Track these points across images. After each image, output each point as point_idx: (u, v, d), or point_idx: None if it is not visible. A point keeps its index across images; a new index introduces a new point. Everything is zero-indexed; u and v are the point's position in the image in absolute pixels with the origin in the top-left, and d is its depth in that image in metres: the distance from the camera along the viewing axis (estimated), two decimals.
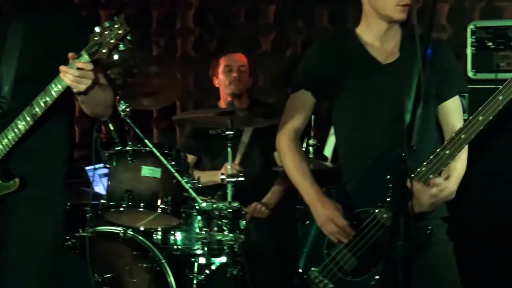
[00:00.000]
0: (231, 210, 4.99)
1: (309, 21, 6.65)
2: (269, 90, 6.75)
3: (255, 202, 5.65)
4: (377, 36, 3.77)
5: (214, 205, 5.03)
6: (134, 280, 5.11)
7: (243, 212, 5.17)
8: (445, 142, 3.51)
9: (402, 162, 3.16)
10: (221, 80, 5.86)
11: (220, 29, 6.91)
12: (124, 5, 7.10)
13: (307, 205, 4.95)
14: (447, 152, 3.49)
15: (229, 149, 5.07)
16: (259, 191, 5.77)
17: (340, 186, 3.83)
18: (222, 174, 5.17)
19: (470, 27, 5.04)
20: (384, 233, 3.57)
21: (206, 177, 5.49)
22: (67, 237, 5.09)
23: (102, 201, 5.14)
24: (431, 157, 3.51)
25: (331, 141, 5.35)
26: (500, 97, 3.42)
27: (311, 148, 5.08)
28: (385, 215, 3.57)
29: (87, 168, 5.84)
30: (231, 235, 4.95)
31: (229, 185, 5.00)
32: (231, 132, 5.08)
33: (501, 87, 3.41)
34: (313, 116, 5.17)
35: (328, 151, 5.35)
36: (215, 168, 5.73)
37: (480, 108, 3.42)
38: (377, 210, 3.59)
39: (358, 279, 3.65)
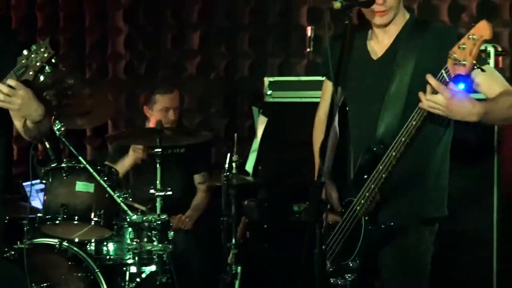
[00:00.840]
0: (159, 222, 4.96)
1: (231, 46, 6.66)
2: (194, 112, 6.74)
3: (179, 214, 5.64)
4: (375, 31, 3.66)
5: (144, 218, 5.00)
6: None
7: (171, 224, 5.16)
8: (392, 144, 3.46)
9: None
10: (156, 116, 5.78)
11: (149, 54, 6.90)
12: (59, 30, 7.06)
13: (231, 217, 5.01)
14: (393, 153, 3.46)
15: (158, 166, 5.05)
16: (183, 206, 5.77)
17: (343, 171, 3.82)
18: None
19: None
20: (356, 225, 3.58)
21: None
22: (6, 249, 5.03)
23: (39, 214, 5.09)
24: (384, 157, 3.48)
25: (252, 157, 5.36)
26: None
27: (234, 164, 5.08)
28: (358, 207, 3.56)
29: (24, 183, 5.76)
30: (160, 245, 4.93)
31: (158, 199, 4.99)
32: (159, 150, 5.07)
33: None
34: (235, 134, 5.20)
35: (249, 166, 5.36)
36: (139, 185, 5.71)
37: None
38: (355, 200, 3.59)
39: (344, 263, 3.65)
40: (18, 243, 5.03)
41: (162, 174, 5.04)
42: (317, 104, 5.21)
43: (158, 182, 5.04)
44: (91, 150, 6.98)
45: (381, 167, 3.49)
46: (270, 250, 5.42)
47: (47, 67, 3.49)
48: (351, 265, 3.61)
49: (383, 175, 3.48)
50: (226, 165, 5.11)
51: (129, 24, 6.93)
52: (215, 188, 5.43)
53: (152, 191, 5.04)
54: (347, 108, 3.78)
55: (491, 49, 4.67)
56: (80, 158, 5.04)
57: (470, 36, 3.21)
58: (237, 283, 4.96)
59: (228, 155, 5.12)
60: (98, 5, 7.00)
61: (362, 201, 3.55)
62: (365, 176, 3.57)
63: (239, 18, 6.63)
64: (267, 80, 5.34)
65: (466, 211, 4.67)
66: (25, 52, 3.47)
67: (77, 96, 5.28)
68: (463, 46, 3.22)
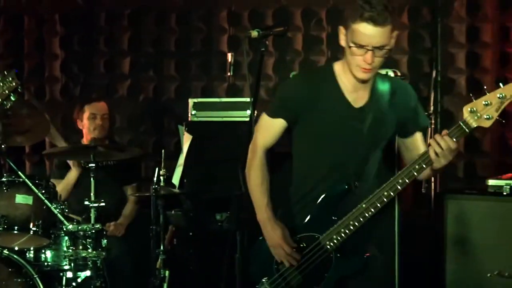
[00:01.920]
0: (94, 231, 4.93)
1: (158, 71, 6.65)
2: (125, 130, 6.71)
3: (113, 222, 5.61)
4: (351, 81, 3.50)
5: (79, 227, 4.96)
6: None
7: (104, 232, 5.13)
8: (384, 185, 3.44)
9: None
10: (85, 125, 5.79)
11: (83, 77, 6.84)
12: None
13: (159, 226, 4.99)
14: (385, 193, 3.44)
15: (91, 179, 5.02)
16: (116, 215, 5.73)
17: (289, 208, 3.66)
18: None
19: (292, 76, 5.15)
20: (326, 257, 3.53)
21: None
22: None
23: None
24: (371, 196, 3.45)
25: (178, 171, 5.36)
26: (417, 166, 3.41)
27: (161, 177, 5.07)
28: (327, 242, 3.50)
29: None
30: (94, 252, 4.89)
31: (92, 210, 4.96)
32: (93, 164, 5.04)
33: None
34: (163, 150, 5.19)
35: (175, 179, 5.36)
36: (76, 196, 5.65)
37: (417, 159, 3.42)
38: (321, 237, 3.52)
39: None
40: None
41: (96, 186, 5.02)
42: (237, 123, 5.24)
43: (92, 194, 5.00)
44: (30, 166, 6.89)
45: (364, 206, 3.46)
46: (195, 255, 5.42)
47: (12, 96, 3.47)
48: None
49: (368, 213, 3.46)
50: (155, 178, 5.09)
51: (64, 50, 6.87)
52: (145, 199, 5.40)
53: (86, 202, 5.02)
54: (309, 144, 3.64)
55: (391, 74, 4.73)
56: (19, 172, 4.98)
57: (499, 95, 3.27)
58: (165, 285, 4.93)
59: (157, 169, 5.11)
60: (36, 32, 6.92)
61: (334, 237, 3.49)
62: (333, 213, 3.53)
63: (165, 45, 6.63)
64: (191, 101, 5.36)
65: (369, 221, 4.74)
66: None
67: (17, 116, 5.21)
68: (487, 102, 3.28)
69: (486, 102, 3.29)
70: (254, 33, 3.38)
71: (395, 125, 3.61)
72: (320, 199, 3.57)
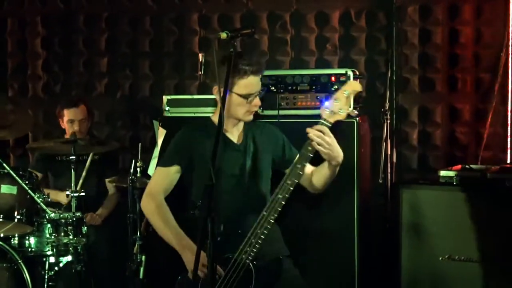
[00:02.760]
0: (75, 219, 4.92)
1: (134, 70, 6.62)
2: (103, 125, 6.67)
3: (91, 212, 5.57)
4: (230, 125, 3.90)
5: (61, 215, 4.95)
6: None
7: (84, 220, 5.10)
8: (276, 190, 3.63)
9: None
10: (65, 127, 5.76)
11: (63, 76, 6.79)
12: None
13: (136, 214, 4.98)
14: (280, 196, 3.60)
15: (72, 171, 4.99)
16: (96, 204, 5.70)
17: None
18: (67, 193, 5.05)
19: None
20: (246, 270, 3.59)
21: (53, 195, 5.37)
22: None
23: None
24: (268, 203, 3.61)
25: (153, 163, 5.33)
26: (299, 166, 3.65)
27: (138, 169, 5.05)
28: (243, 256, 3.58)
29: None
30: (75, 238, 4.89)
31: (73, 199, 4.93)
32: (74, 157, 5.01)
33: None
34: (139, 144, 5.17)
35: (151, 171, 5.32)
36: (57, 187, 5.62)
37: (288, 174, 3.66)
38: (235, 255, 3.60)
39: None
40: None
41: (77, 178, 4.99)
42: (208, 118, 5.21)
43: (73, 184, 4.98)
44: (13, 158, 6.83)
45: (265, 213, 3.59)
46: None
47: None
48: None
49: (271, 218, 3.59)
50: (132, 170, 5.08)
51: (46, 50, 6.81)
52: (122, 189, 5.38)
53: (68, 192, 4.99)
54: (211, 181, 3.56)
55: (350, 73, 4.75)
56: (4, 164, 4.96)
57: (344, 92, 3.64)
58: (141, 269, 4.93)
59: (133, 161, 5.09)
60: (19, 34, 6.86)
61: (248, 249, 3.58)
62: (239, 231, 3.67)
63: (140, 46, 6.59)
64: (165, 98, 5.32)
65: (331, 210, 4.77)
66: None
67: (1, 112, 5.16)
68: (337, 100, 3.63)
69: (336, 100, 3.64)
70: (223, 35, 3.42)
71: (271, 160, 3.98)
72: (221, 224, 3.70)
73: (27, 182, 5.01)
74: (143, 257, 4.94)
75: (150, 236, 5.35)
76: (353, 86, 3.72)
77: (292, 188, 3.60)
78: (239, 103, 3.78)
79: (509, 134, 5.55)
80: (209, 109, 5.28)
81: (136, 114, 6.63)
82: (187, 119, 5.29)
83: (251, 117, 3.87)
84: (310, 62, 6.13)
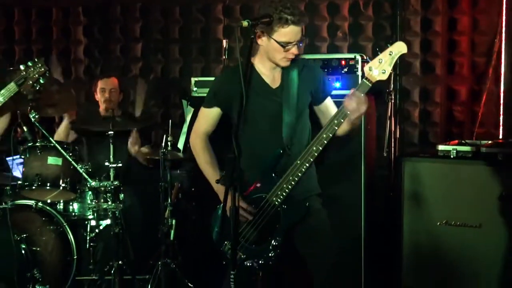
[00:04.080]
0: (113, 187, 4.95)
1: (165, 54, 6.61)
2: (138, 103, 6.69)
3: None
4: (268, 68, 3.68)
5: (101, 183, 4.98)
6: (44, 238, 4.99)
7: (121, 188, 5.09)
8: (312, 141, 3.52)
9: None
10: (98, 97, 5.74)
11: (103, 59, 6.80)
12: (32, 42, 6.91)
13: (167, 183, 4.98)
14: (314, 148, 3.50)
15: (110, 145, 5.00)
16: (130, 173, 5.66)
17: (241, 175, 3.60)
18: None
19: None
20: (275, 211, 3.54)
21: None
22: None
23: (19, 182, 5.05)
24: (303, 153, 3.51)
25: (182, 138, 5.34)
26: (336, 121, 3.48)
27: (169, 143, 5.06)
28: (274, 198, 3.53)
29: (7, 158, 5.64)
30: (113, 204, 4.92)
31: (111, 169, 4.95)
32: (112, 132, 5.01)
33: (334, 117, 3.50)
34: (170, 120, 5.18)
35: (180, 145, 5.34)
36: (91, 157, 5.53)
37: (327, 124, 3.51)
38: (268, 195, 3.55)
39: (259, 247, 3.58)
40: (3, 204, 4.96)
41: (114, 150, 5.00)
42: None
43: (111, 156, 4.99)
44: None
45: (299, 162, 3.51)
46: (196, 207, 5.43)
47: (41, 79, 3.46)
48: (273, 243, 3.54)
49: (303, 167, 3.51)
50: (163, 144, 5.09)
51: (87, 37, 6.82)
52: (155, 161, 5.38)
53: (106, 163, 5.01)
54: (247, 124, 3.64)
55: (359, 57, 4.72)
56: (50, 138, 5.00)
57: (389, 52, 3.41)
58: (172, 232, 4.95)
59: (164, 136, 5.10)
60: (63, 22, 6.87)
61: (279, 192, 3.53)
62: (273, 174, 3.57)
63: (171, 33, 6.58)
64: (193, 79, 5.31)
65: (341, 180, 4.75)
66: (22, 67, 3.45)
67: (48, 92, 5.19)
68: (381, 60, 3.42)
69: (380, 60, 3.42)
70: (245, 23, 3.39)
71: (309, 95, 3.73)
72: (261, 165, 3.61)
73: (70, 154, 5.05)
74: (173, 221, 4.97)
75: (179, 203, 5.40)
76: (400, 47, 3.46)
77: (326, 142, 3.48)
78: (276, 49, 3.56)
79: (501, 112, 5.51)
80: None
81: (167, 94, 6.64)
82: None
83: (287, 63, 3.63)
84: (322, 48, 6.10)
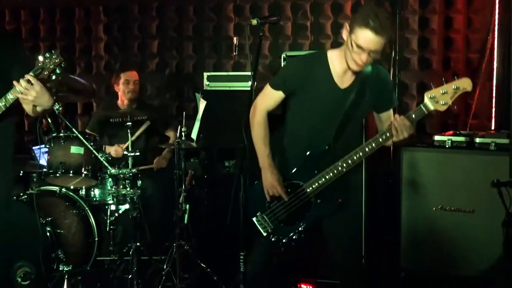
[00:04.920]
0: (131, 174, 4.95)
1: (180, 51, 6.61)
2: (154, 97, 6.69)
3: (158, 157, 5.63)
4: (342, 67, 3.45)
5: (120, 171, 4.98)
6: (67, 221, 5.01)
7: (139, 175, 5.10)
8: (357, 148, 3.44)
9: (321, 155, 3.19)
10: (121, 89, 5.72)
11: (122, 56, 6.80)
12: (56, 39, 6.92)
13: (181, 170, 4.98)
14: (357, 155, 3.43)
15: (129, 134, 5.01)
16: (147, 159, 5.68)
17: (282, 159, 3.64)
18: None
19: (283, 55, 5.13)
20: (307, 200, 3.53)
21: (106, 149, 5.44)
22: (21, 194, 4.97)
23: (44, 169, 5.07)
24: (346, 156, 3.44)
25: (195, 129, 5.35)
26: (384, 137, 3.40)
27: (183, 133, 5.05)
28: (309, 189, 3.51)
29: (33, 147, 5.66)
30: (131, 190, 4.92)
31: (130, 158, 4.96)
32: (130, 123, 5.01)
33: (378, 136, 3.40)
34: (184, 112, 5.18)
35: (194, 135, 5.34)
36: (112, 144, 5.57)
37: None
38: (305, 184, 3.53)
39: (286, 228, 3.57)
40: (30, 190, 4.98)
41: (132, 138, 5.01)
42: (242, 92, 5.20)
43: (129, 146, 5.00)
44: (81, 124, 6.87)
45: (339, 163, 3.45)
46: (209, 193, 5.44)
47: (57, 69, 3.44)
48: (300, 228, 3.55)
49: (343, 169, 3.45)
50: (178, 134, 5.09)
51: (107, 35, 6.82)
52: (170, 149, 5.38)
53: (125, 152, 5.01)
54: (301, 112, 3.59)
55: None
56: (73, 129, 5.01)
57: (454, 86, 3.24)
58: (186, 216, 4.96)
59: (179, 127, 5.11)
60: (85, 21, 6.87)
61: (314, 186, 3.50)
62: (315, 167, 3.51)
63: (185, 31, 6.58)
64: (205, 74, 5.32)
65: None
66: (40, 58, 3.43)
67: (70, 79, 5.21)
68: (444, 91, 3.25)
69: (444, 91, 3.26)
70: (254, 22, 3.37)
71: (370, 105, 3.58)
72: (306, 155, 3.56)
73: (92, 143, 5.06)
74: (187, 206, 4.97)
75: (193, 189, 5.41)
76: (466, 83, 3.27)
77: (368, 152, 3.41)
78: (349, 47, 3.32)
79: (493, 105, 5.49)
80: (242, 83, 5.27)
81: (181, 88, 6.64)
82: (224, 92, 5.30)
83: (356, 68, 3.37)
84: (326, 45, 6.08)
